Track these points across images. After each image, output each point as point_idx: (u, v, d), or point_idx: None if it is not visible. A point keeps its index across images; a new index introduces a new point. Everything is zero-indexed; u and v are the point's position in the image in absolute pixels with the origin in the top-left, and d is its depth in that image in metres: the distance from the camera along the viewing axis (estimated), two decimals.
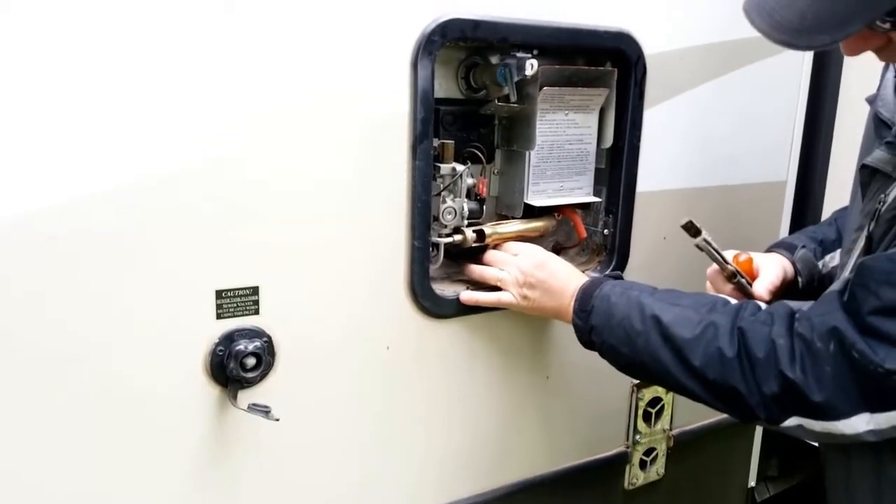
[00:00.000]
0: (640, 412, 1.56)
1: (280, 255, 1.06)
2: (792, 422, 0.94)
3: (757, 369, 0.94)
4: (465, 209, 1.22)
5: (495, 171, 1.34)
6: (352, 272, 1.13)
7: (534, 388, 1.40)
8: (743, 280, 1.18)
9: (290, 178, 1.04)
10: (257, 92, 0.99)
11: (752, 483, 1.92)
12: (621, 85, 1.33)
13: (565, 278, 1.19)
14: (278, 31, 0.99)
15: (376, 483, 1.24)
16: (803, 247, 1.27)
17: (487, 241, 1.26)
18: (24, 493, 0.95)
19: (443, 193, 1.20)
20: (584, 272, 1.23)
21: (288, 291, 1.07)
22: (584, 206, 1.40)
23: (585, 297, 1.14)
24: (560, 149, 1.31)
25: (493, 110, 1.25)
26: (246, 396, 1.06)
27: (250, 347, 1.04)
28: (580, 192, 1.36)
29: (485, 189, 1.28)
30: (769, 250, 1.29)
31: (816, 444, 1.21)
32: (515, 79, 1.19)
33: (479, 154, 1.28)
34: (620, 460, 1.57)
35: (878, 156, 0.98)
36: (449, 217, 1.21)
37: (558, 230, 1.41)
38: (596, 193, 1.39)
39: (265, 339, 1.06)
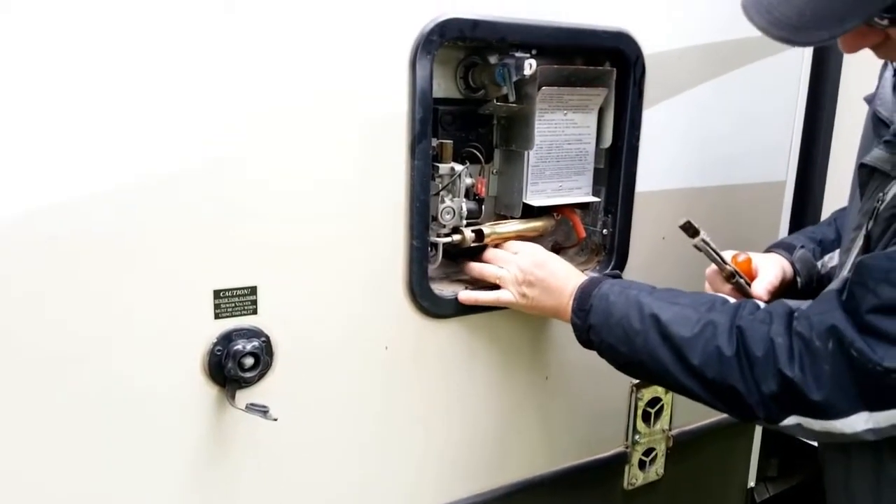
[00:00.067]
0: (640, 412, 1.56)
1: (278, 254, 1.06)
2: (791, 421, 0.94)
3: (756, 368, 0.94)
4: (464, 209, 1.22)
5: (494, 170, 1.34)
6: (350, 272, 1.13)
7: (533, 388, 1.40)
8: (741, 280, 1.18)
9: (289, 178, 1.04)
10: (256, 92, 0.99)
11: (751, 483, 1.91)
12: (620, 85, 1.33)
13: (564, 277, 1.19)
14: (277, 31, 0.99)
15: (375, 483, 1.24)
16: (802, 247, 1.27)
17: (486, 241, 1.26)
18: (24, 493, 0.95)
19: (441, 193, 1.20)
20: (583, 272, 1.23)
21: (286, 291, 1.07)
22: (583, 206, 1.40)
23: (584, 296, 1.14)
24: (559, 149, 1.31)
25: (492, 110, 1.25)
26: (244, 396, 1.06)
27: (248, 347, 1.04)
28: (579, 191, 1.36)
29: (483, 189, 1.28)
30: (768, 250, 1.29)
31: (816, 444, 1.21)
32: (514, 78, 1.19)
33: (478, 154, 1.28)
34: (620, 460, 1.57)
35: (877, 154, 0.98)
36: (448, 217, 1.21)
37: (557, 230, 1.41)
38: (595, 193, 1.39)
39: (263, 338, 1.06)
